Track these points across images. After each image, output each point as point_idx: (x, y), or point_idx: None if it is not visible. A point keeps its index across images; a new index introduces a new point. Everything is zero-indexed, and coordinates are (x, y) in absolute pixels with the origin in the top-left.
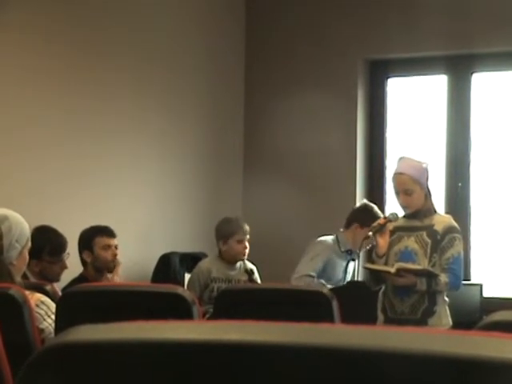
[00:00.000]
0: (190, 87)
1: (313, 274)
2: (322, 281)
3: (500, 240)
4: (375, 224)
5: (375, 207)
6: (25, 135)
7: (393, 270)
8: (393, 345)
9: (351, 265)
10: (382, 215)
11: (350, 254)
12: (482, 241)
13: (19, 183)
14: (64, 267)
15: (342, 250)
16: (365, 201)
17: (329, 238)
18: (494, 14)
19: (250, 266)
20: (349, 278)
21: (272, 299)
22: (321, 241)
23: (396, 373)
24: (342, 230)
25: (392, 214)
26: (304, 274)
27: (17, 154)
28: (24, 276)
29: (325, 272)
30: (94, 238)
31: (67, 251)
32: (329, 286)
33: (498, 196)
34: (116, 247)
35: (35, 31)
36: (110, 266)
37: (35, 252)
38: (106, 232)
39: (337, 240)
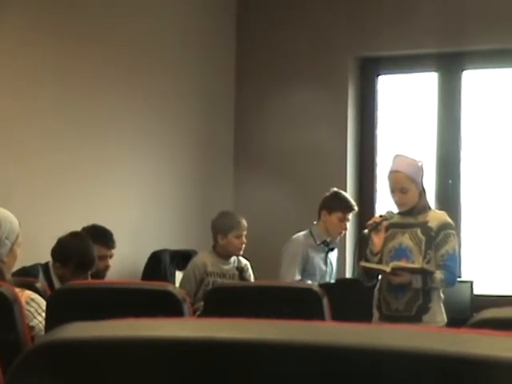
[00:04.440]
0: (181, 86)
1: (298, 277)
2: (309, 282)
3: (491, 237)
4: (371, 222)
5: (344, 193)
6: (16, 130)
7: (388, 268)
8: (382, 342)
9: (332, 255)
10: (351, 200)
11: (327, 245)
12: (473, 238)
13: (16, 179)
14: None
15: (318, 242)
16: (334, 189)
17: (301, 234)
18: (484, 12)
19: (243, 261)
20: (333, 269)
21: (262, 297)
22: (293, 239)
23: (385, 370)
24: (315, 222)
25: (388, 212)
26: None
27: (14, 149)
28: (49, 279)
29: (306, 269)
30: (93, 243)
31: (93, 268)
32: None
33: (488, 193)
34: (111, 257)
35: (33, 25)
36: (99, 276)
37: (62, 257)
38: (107, 242)
39: (310, 234)
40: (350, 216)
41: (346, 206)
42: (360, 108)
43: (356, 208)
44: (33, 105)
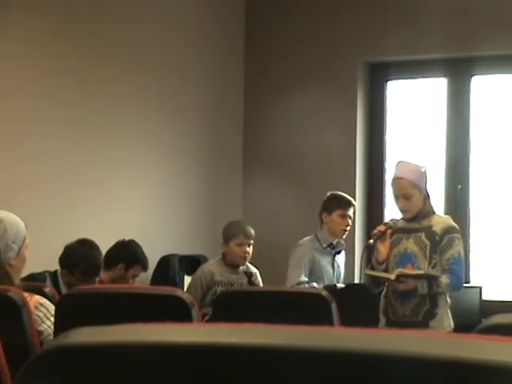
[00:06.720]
0: (189, 87)
1: (303, 279)
2: (315, 284)
3: (499, 242)
4: (375, 231)
5: (340, 192)
6: (19, 132)
7: (393, 276)
8: (392, 348)
9: (339, 258)
10: (348, 197)
11: (333, 248)
12: (482, 243)
13: (18, 181)
14: None
15: (324, 245)
16: (330, 192)
17: (307, 239)
18: (493, 17)
19: (253, 269)
20: (341, 272)
21: (271, 302)
22: (299, 244)
23: (395, 376)
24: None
25: (392, 220)
26: (296, 283)
27: (14, 149)
28: (57, 287)
29: (313, 273)
30: (137, 263)
31: (101, 274)
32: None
33: (497, 198)
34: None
35: (35, 26)
36: None
37: (69, 264)
38: (145, 266)
39: (316, 238)
40: (351, 212)
41: (343, 203)
42: (369, 113)
43: (354, 203)
44: (35, 107)
